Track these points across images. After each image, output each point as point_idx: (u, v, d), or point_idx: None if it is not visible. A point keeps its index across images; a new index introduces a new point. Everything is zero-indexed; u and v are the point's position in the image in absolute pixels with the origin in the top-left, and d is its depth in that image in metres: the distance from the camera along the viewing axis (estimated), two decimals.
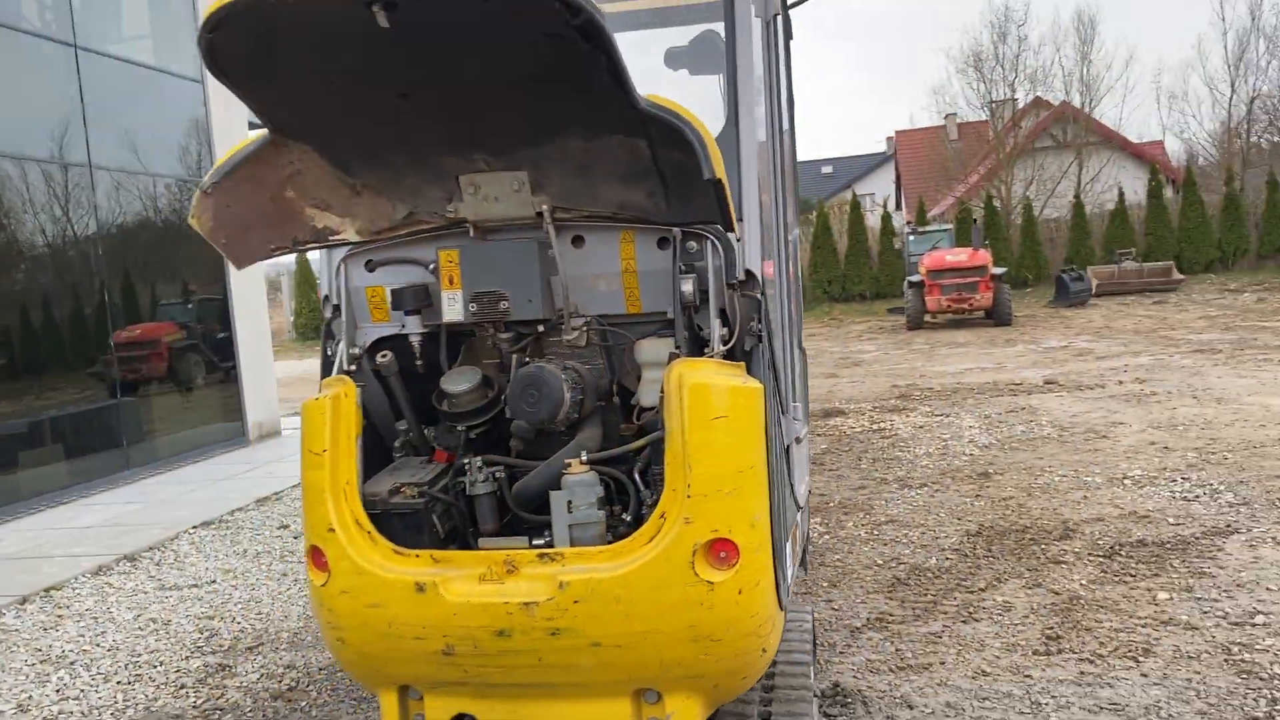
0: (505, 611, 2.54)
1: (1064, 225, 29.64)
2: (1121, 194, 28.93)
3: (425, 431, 2.99)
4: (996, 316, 21.92)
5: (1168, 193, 29.87)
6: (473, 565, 2.62)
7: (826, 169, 66.24)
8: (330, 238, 2.85)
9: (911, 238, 23.86)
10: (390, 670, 2.73)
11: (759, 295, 2.73)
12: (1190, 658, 4.58)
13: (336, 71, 2.38)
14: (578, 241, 2.82)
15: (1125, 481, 7.74)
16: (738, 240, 2.69)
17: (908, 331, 22.47)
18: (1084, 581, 5.64)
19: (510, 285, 2.80)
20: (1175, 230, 28.49)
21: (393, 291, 2.95)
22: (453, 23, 2.13)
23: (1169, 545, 6.14)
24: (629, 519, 2.71)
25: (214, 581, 6.96)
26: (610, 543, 2.58)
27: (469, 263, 2.81)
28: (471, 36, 2.18)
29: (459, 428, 2.90)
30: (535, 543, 2.66)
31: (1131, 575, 5.69)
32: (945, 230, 24.32)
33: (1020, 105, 35.17)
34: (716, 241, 2.70)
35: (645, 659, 2.56)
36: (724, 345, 2.68)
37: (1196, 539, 6.21)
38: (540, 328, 2.88)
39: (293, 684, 5.16)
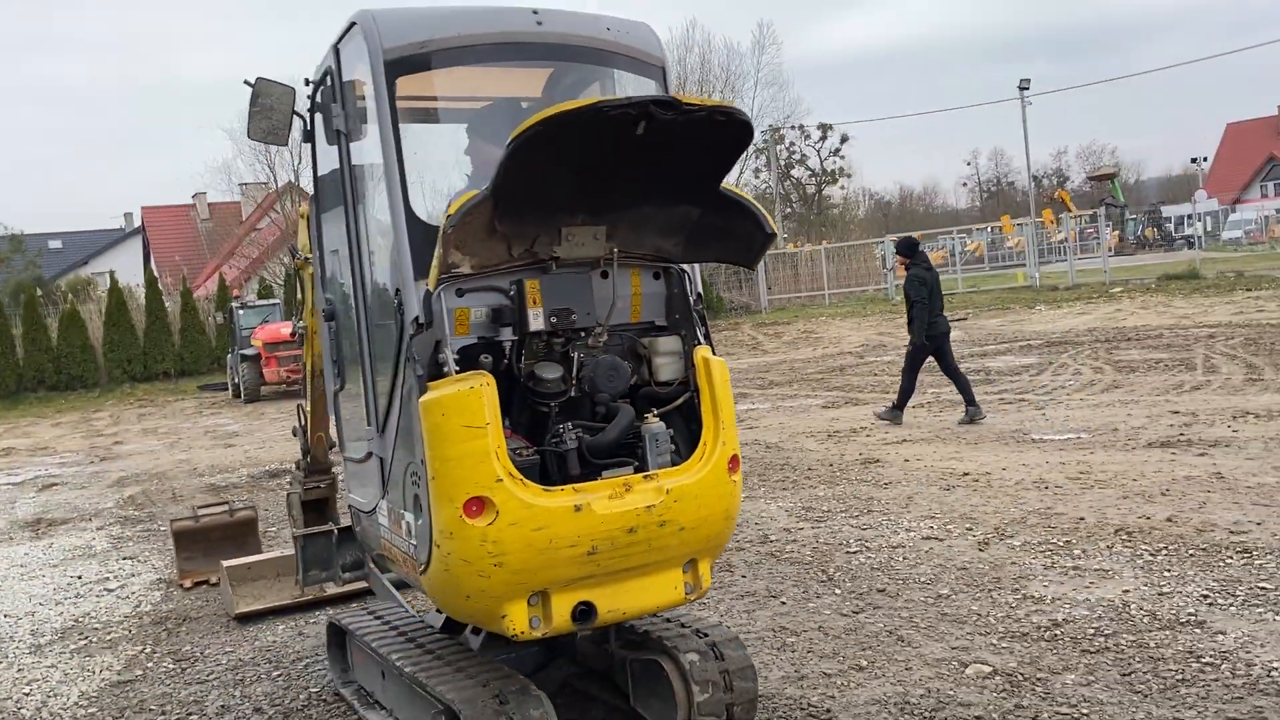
0: (635, 514, 3.71)
1: None
2: None
3: None
4: None
5: None
6: (600, 490, 3.72)
7: (55, 244, 61.23)
8: (453, 270, 3.71)
9: (241, 311, 24.35)
10: (538, 579, 3.65)
11: (702, 309, 4.27)
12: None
13: (569, 156, 3.44)
14: (604, 274, 4.07)
15: None
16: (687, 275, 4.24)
17: (246, 404, 22.89)
18: None
19: (576, 304, 3.96)
20: None
21: (493, 309, 3.87)
22: (669, 132, 3.40)
23: None
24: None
25: None
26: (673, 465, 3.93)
27: (546, 289, 3.90)
28: (665, 139, 3.46)
29: (550, 405, 3.91)
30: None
31: None
32: (275, 304, 25.24)
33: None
34: (690, 276, 4.21)
35: (703, 535, 3.94)
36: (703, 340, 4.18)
37: None
38: (583, 333, 4.03)
39: None
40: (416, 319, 3.80)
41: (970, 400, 11.70)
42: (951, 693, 4.60)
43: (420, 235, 3.84)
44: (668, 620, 4.62)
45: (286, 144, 4.93)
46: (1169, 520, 6.88)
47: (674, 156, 3.65)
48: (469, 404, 3.61)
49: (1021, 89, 35.90)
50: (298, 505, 7.74)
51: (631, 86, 4.34)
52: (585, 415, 4.02)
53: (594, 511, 3.70)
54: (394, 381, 4.09)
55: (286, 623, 6.63)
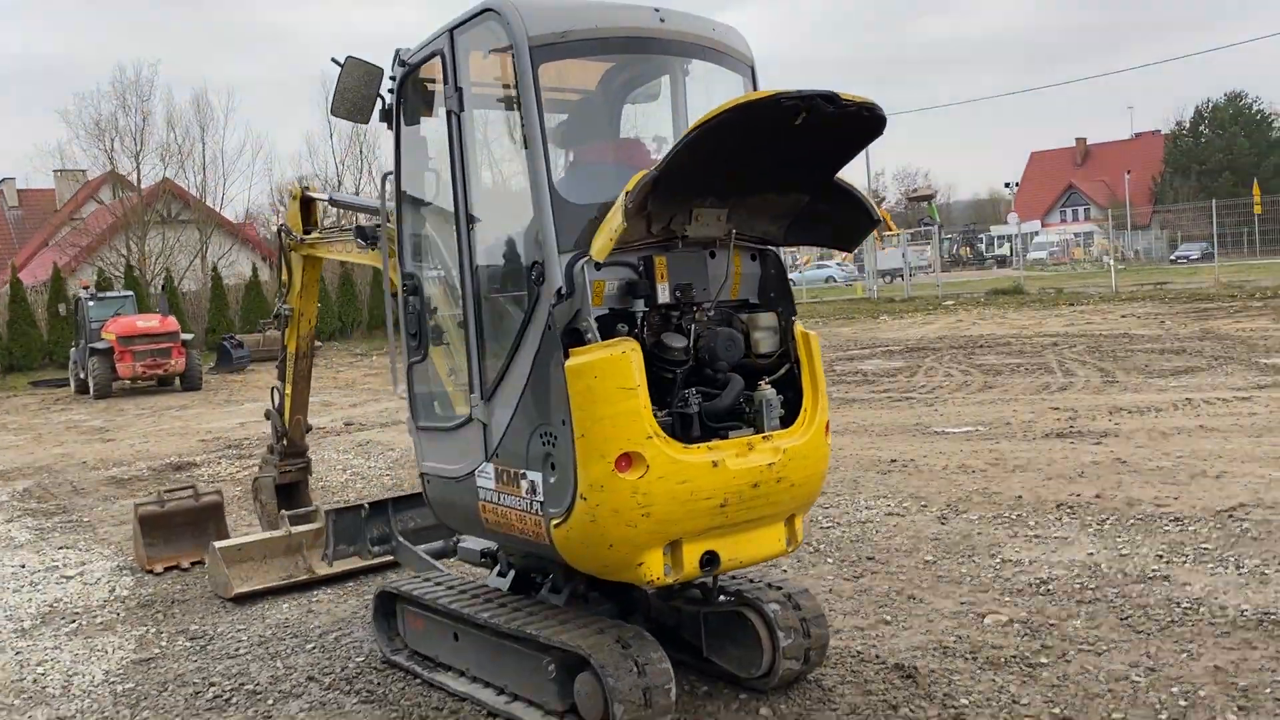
0: (759, 470, 4.07)
1: (204, 296, 31.10)
2: (255, 269, 31.53)
3: None
4: (188, 381, 22.59)
5: (264, 272, 33.34)
6: (728, 449, 4.05)
7: None
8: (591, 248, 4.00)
9: (91, 303, 23.06)
10: (678, 528, 3.94)
11: (790, 285, 4.68)
12: None
13: (722, 143, 3.77)
14: (712, 254, 4.41)
15: None
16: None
17: (97, 400, 21.73)
18: None
19: (695, 279, 4.29)
20: None
21: (629, 283, 4.14)
22: (816, 124, 3.78)
23: None
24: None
25: None
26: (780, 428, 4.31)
27: (671, 265, 4.21)
28: (807, 130, 3.84)
29: (676, 371, 4.20)
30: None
31: None
32: (128, 296, 24.04)
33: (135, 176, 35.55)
34: (780, 256, 4.62)
35: (806, 492, 4.34)
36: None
37: None
38: (694, 307, 4.35)
39: None
40: (560, 290, 4.06)
41: None
42: (981, 638, 5.17)
43: (561, 211, 4.11)
44: (733, 577, 5.00)
45: (368, 122, 5.07)
46: (1098, 497, 7.73)
47: (802, 146, 4.05)
48: (622, 367, 3.91)
49: None
50: (270, 489, 7.75)
51: (721, 80, 4.73)
52: (701, 382, 4.36)
53: (728, 467, 4.06)
54: (514, 349, 4.32)
55: (288, 601, 6.63)
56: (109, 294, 24.62)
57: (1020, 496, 7.94)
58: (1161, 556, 6.22)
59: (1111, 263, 31.96)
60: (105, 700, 5.17)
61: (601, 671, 4.10)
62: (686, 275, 4.31)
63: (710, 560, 4.17)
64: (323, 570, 6.98)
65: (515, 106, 4.28)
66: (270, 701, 5.03)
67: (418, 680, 5.15)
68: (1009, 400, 13.04)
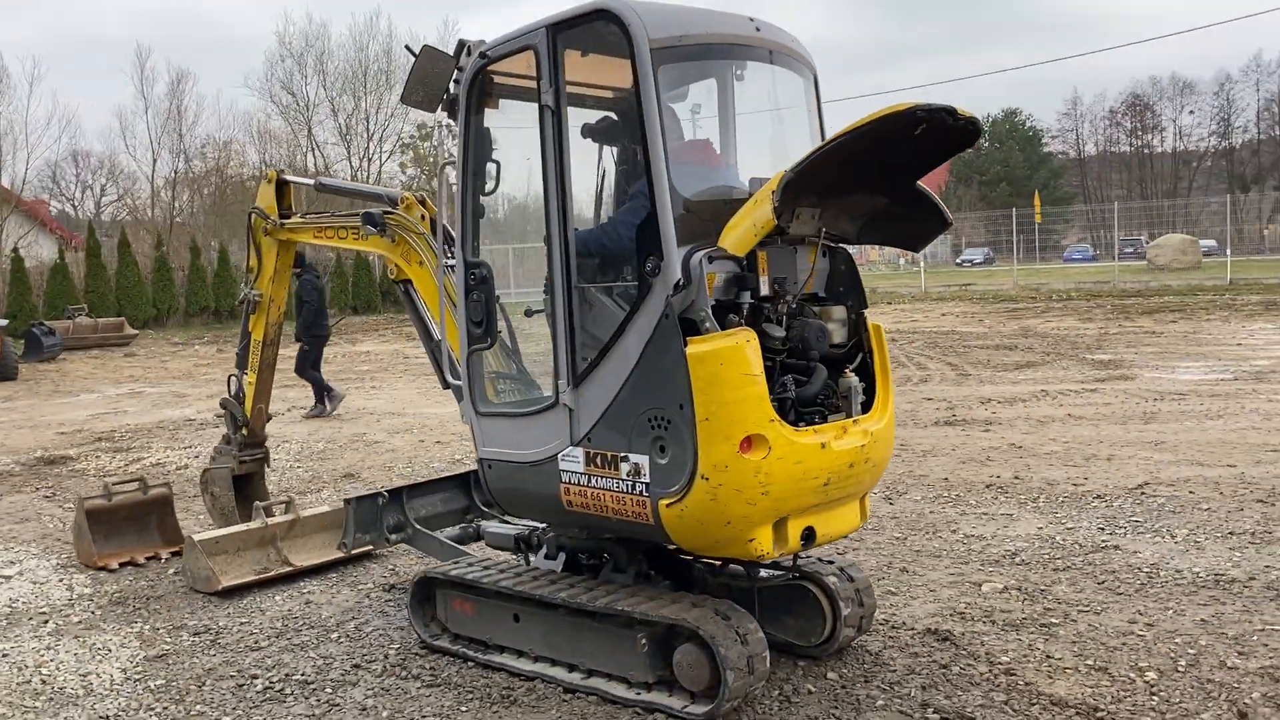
0: (854, 451, 4.39)
1: (2, 279, 28.74)
2: (62, 253, 29.38)
3: None
4: (2, 371, 20.92)
5: (68, 255, 31.11)
6: (829, 432, 4.37)
7: None
8: (721, 243, 4.21)
9: None
10: (787, 505, 4.21)
11: (860, 280, 5.02)
12: None
13: (844, 151, 4.07)
14: (795, 250, 4.69)
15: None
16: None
17: None
18: None
19: (788, 274, 4.56)
20: (114, 288, 30.06)
21: (737, 276, 4.35)
22: (930, 132, 4.12)
23: None
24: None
25: None
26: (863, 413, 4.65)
27: (772, 259, 4.47)
28: (913, 139, 4.18)
29: (779, 358, 4.44)
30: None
31: None
32: None
33: None
34: (851, 253, 4.96)
35: (880, 472, 4.68)
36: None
37: None
38: (780, 300, 4.60)
39: None
40: (678, 282, 4.28)
41: (320, 399, 14.18)
42: (988, 604, 5.71)
43: (679, 207, 4.33)
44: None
45: (436, 110, 5.09)
46: (1016, 478, 8.52)
47: (899, 152, 4.42)
48: (745, 355, 4.19)
49: (694, 113, 38.81)
50: (225, 480, 7.54)
51: (787, 84, 5.06)
52: (791, 370, 4.66)
53: (833, 449, 4.40)
54: (616, 337, 4.50)
55: (277, 594, 6.49)
56: None
57: (946, 479, 8.64)
58: (1103, 529, 6.99)
59: (922, 266, 34.22)
60: (144, 697, 4.98)
61: (713, 642, 4.35)
62: (782, 270, 4.62)
63: (809, 535, 4.50)
64: (301, 562, 6.87)
65: (621, 106, 4.45)
66: (329, 690, 4.98)
67: (470, 663, 5.22)
68: None
